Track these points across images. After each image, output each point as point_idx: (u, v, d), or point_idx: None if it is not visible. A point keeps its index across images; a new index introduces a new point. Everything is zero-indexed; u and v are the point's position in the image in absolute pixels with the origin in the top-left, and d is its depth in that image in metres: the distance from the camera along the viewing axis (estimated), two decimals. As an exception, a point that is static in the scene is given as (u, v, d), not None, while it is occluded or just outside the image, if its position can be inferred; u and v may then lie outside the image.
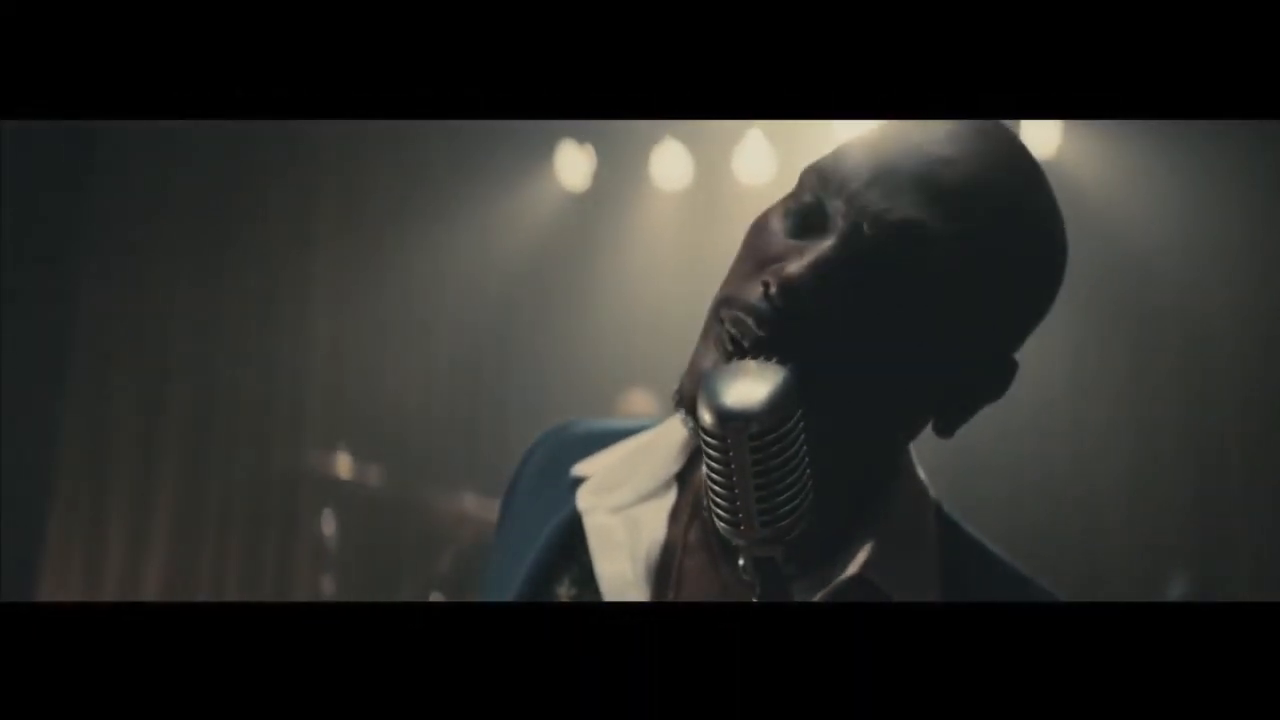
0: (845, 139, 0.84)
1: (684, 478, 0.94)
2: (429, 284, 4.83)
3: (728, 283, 0.83)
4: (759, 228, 0.83)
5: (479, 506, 3.81)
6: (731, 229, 0.91)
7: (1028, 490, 4.38)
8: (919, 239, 0.77)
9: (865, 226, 0.78)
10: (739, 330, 0.79)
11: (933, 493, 0.91)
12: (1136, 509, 4.37)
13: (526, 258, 4.89)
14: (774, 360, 0.76)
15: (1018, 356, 0.88)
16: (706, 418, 0.73)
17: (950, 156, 0.79)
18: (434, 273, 4.83)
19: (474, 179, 4.79)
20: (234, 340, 4.73)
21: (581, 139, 4.81)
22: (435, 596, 3.82)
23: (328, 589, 3.92)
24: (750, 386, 0.73)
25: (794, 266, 0.77)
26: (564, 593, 0.92)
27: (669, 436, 0.96)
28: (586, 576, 0.91)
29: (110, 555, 4.56)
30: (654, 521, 0.92)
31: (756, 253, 0.82)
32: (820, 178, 0.81)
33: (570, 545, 0.94)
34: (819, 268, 0.77)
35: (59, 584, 4.46)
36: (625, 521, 0.92)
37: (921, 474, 0.91)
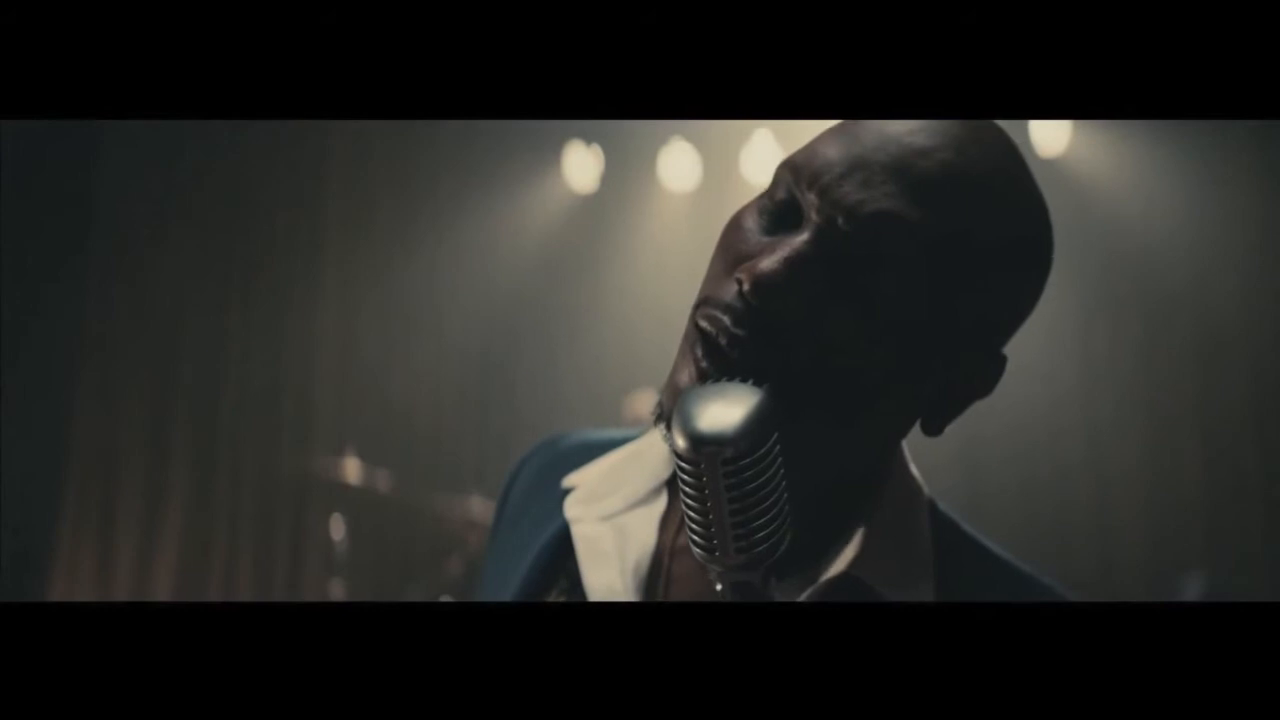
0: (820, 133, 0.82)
1: (673, 484, 0.92)
2: (437, 287, 4.84)
3: (705, 284, 0.81)
4: (733, 226, 0.82)
5: (487, 510, 3.81)
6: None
7: (1039, 484, 4.37)
8: (895, 231, 0.75)
9: (840, 220, 0.76)
10: (715, 328, 0.77)
11: (927, 491, 0.89)
12: (1150, 502, 4.36)
13: (535, 259, 4.89)
14: (749, 380, 0.74)
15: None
16: (680, 442, 0.71)
17: (925, 147, 0.76)
18: (442, 275, 4.84)
19: (482, 181, 4.80)
20: (243, 343, 4.74)
21: (589, 139, 4.81)
22: (444, 600, 3.82)
23: (336, 593, 3.92)
24: (724, 410, 0.71)
25: (767, 262, 0.75)
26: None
27: (657, 444, 0.94)
28: (575, 585, 0.90)
29: (120, 557, 4.58)
30: (643, 528, 0.91)
31: (731, 251, 0.80)
32: (794, 172, 0.79)
33: (560, 556, 0.93)
34: (792, 262, 0.75)
35: (70, 584, 4.47)
36: (613, 529, 0.91)
37: (915, 472, 0.89)
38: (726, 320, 0.77)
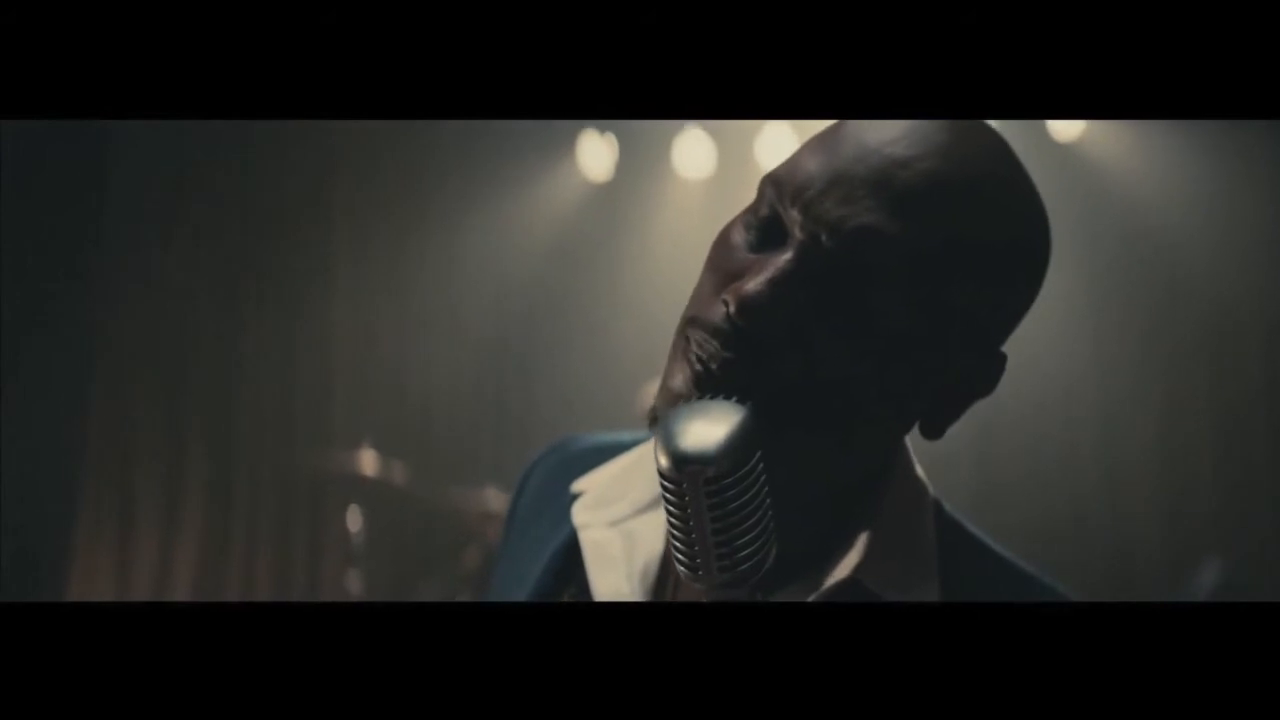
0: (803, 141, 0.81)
1: None
2: (453, 277, 4.84)
3: (693, 301, 0.81)
4: (721, 242, 0.81)
5: (503, 503, 3.81)
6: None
7: (1052, 474, 4.36)
8: (879, 245, 0.74)
9: (823, 237, 0.75)
10: (705, 352, 0.77)
11: (932, 491, 0.88)
12: (1163, 490, 4.35)
13: (550, 249, 4.89)
14: (734, 397, 0.74)
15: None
16: (662, 461, 0.71)
17: (906, 157, 0.75)
18: (457, 266, 4.84)
19: (496, 170, 4.80)
20: (259, 338, 4.76)
21: (603, 128, 4.80)
22: (461, 592, 3.84)
23: (354, 585, 3.95)
24: (707, 429, 0.71)
25: (751, 284, 0.75)
26: None
27: None
28: (584, 591, 0.90)
29: (140, 551, 4.60)
30: (650, 534, 0.91)
31: (718, 269, 0.80)
32: (776, 188, 0.78)
33: (571, 562, 0.93)
34: (776, 283, 0.75)
35: (88, 582, 4.50)
36: (621, 535, 0.91)
37: (920, 473, 0.88)
38: (715, 344, 0.77)
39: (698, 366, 0.77)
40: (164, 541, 4.62)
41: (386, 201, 4.87)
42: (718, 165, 4.74)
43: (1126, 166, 4.39)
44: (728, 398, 0.75)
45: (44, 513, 4.29)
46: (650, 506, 0.92)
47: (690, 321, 0.80)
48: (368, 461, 3.97)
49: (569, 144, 4.84)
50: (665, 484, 0.72)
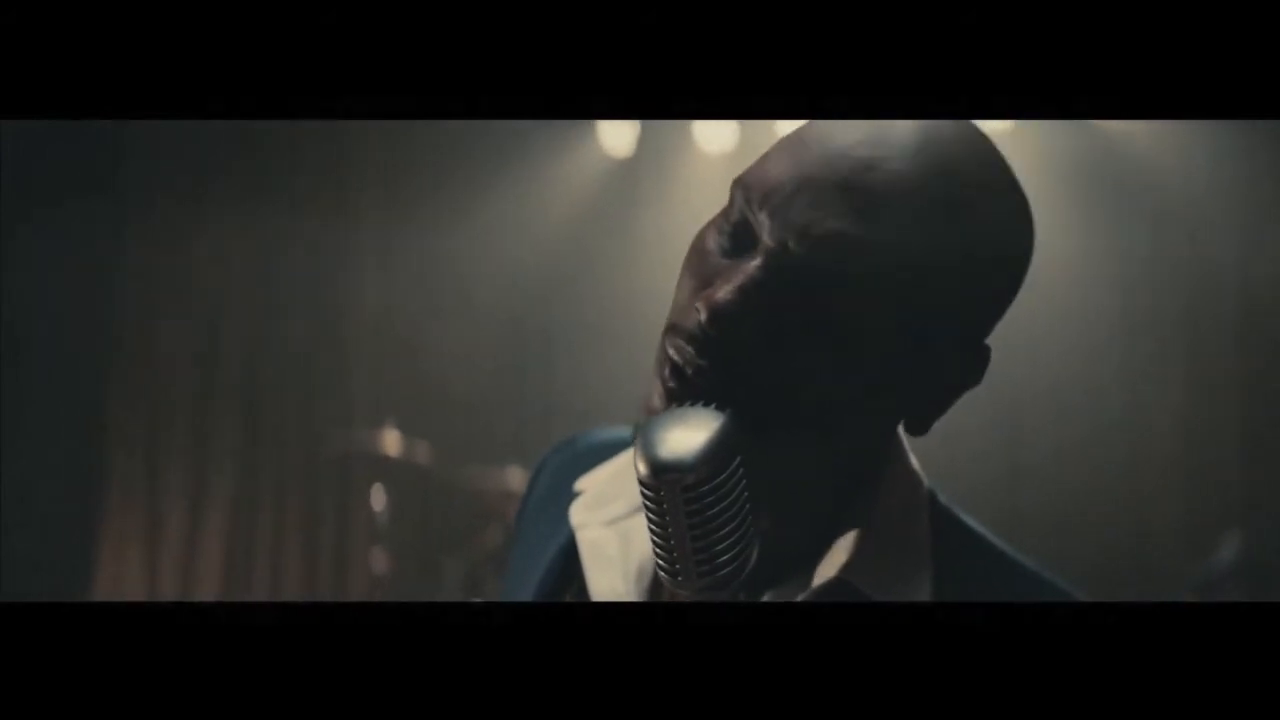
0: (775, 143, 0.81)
1: None
2: (473, 255, 4.84)
3: (673, 307, 0.81)
4: (695, 248, 0.81)
5: (524, 482, 3.84)
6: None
7: (1074, 452, 4.34)
8: (849, 250, 0.73)
9: (791, 242, 0.74)
10: (682, 359, 0.77)
11: (926, 482, 0.87)
12: (1186, 468, 4.33)
13: (570, 225, 4.88)
14: (713, 404, 0.74)
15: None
16: (641, 469, 0.72)
17: (872, 158, 0.74)
18: (478, 244, 4.84)
19: (517, 147, 4.78)
20: (280, 318, 4.79)
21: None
22: (484, 571, 3.88)
23: (378, 564, 4.00)
24: (685, 436, 0.72)
25: (722, 291, 0.75)
26: None
27: None
28: (584, 592, 0.91)
29: (166, 532, 4.68)
30: (646, 533, 0.90)
31: (694, 274, 0.80)
32: (745, 192, 0.78)
33: (572, 561, 0.93)
34: (746, 290, 0.75)
35: (114, 579, 4.58)
36: (618, 534, 0.91)
37: (914, 464, 0.87)
38: (691, 351, 0.77)
39: (676, 374, 0.77)
40: (189, 520, 4.69)
41: (406, 182, 4.87)
42: (739, 140, 4.71)
43: (1158, 158, 4.34)
44: (706, 404, 0.75)
45: (60, 511, 4.36)
46: None
47: (669, 329, 0.80)
48: (390, 441, 4.00)
49: (590, 120, 4.81)
50: (645, 491, 0.72)
